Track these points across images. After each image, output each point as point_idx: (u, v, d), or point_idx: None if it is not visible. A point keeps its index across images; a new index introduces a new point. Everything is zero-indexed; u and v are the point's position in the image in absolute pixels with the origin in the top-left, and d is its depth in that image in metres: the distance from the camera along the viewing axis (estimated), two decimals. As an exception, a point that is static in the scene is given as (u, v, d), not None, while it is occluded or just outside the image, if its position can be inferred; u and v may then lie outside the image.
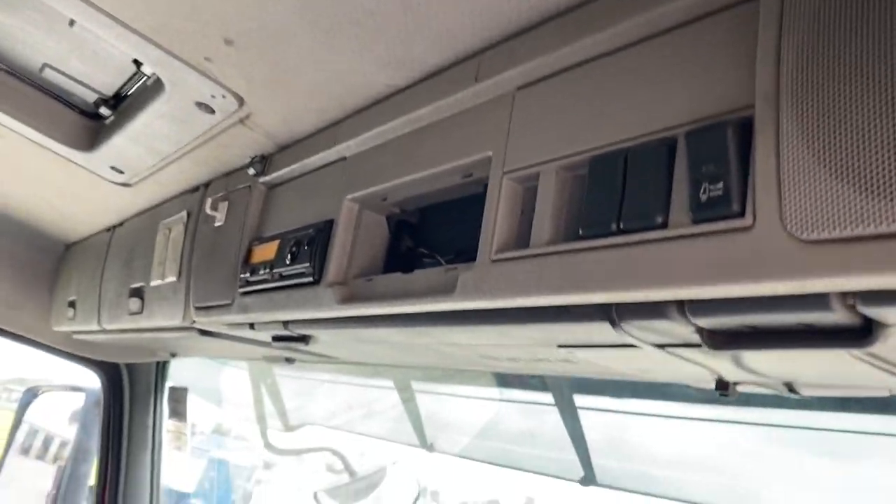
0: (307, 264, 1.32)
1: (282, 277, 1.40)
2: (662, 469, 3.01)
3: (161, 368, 3.09)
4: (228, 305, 1.55)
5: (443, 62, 1.13)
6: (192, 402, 3.19)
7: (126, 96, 1.71)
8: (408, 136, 1.21)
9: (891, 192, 0.56)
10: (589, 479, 2.88)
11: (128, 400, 3.08)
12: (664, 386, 2.33)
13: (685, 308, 0.75)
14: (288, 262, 1.38)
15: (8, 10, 1.46)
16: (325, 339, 1.50)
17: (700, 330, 0.78)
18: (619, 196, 0.79)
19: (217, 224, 1.70)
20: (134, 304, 1.99)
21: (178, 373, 3.18)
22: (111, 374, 3.07)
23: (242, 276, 1.51)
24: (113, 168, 1.93)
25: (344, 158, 1.38)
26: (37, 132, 1.80)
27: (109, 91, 1.72)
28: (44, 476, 3.43)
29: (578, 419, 2.81)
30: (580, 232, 0.84)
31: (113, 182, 2.00)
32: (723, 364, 0.93)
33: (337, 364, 2.07)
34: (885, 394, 1.02)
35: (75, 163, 1.94)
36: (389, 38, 1.11)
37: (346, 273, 1.30)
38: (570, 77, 0.93)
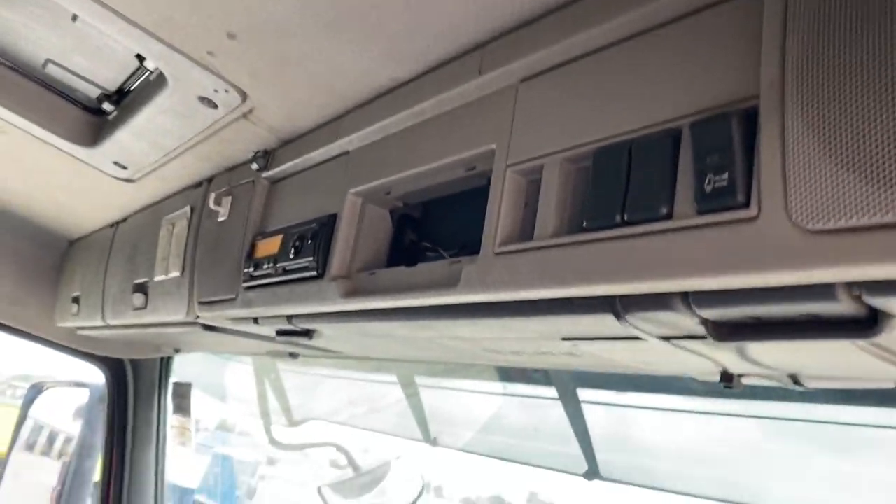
0: (311, 258, 1.33)
1: (285, 272, 1.40)
2: (666, 462, 3.01)
3: (165, 364, 3.10)
4: (232, 300, 1.56)
5: (446, 55, 1.12)
6: (196, 398, 3.19)
7: (129, 91, 1.71)
8: (411, 129, 1.21)
9: None
10: (593, 472, 2.88)
11: (132, 396, 3.09)
12: (667, 380, 2.33)
13: (690, 299, 0.75)
14: (291, 257, 1.38)
15: (11, 6, 1.46)
16: (328, 334, 1.50)
17: (705, 321, 0.78)
18: (624, 187, 0.79)
19: (220, 219, 1.71)
20: (138, 299, 2.00)
21: (182, 368, 3.19)
22: (115, 369, 3.08)
23: (246, 270, 1.51)
24: (116, 163, 1.93)
25: (347, 152, 1.38)
26: (40, 128, 1.81)
27: (112, 86, 1.71)
28: (49, 472, 3.45)
29: (582, 413, 2.81)
30: (584, 224, 0.83)
31: (116, 177, 2.00)
32: (727, 356, 0.93)
33: (340, 359, 2.07)
34: (891, 385, 1.02)
35: (78, 158, 1.94)
36: (392, 31, 1.10)
37: (349, 267, 1.30)
38: (574, 69, 0.92)
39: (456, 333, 1.22)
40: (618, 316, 0.82)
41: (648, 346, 0.93)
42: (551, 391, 2.85)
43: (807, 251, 0.62)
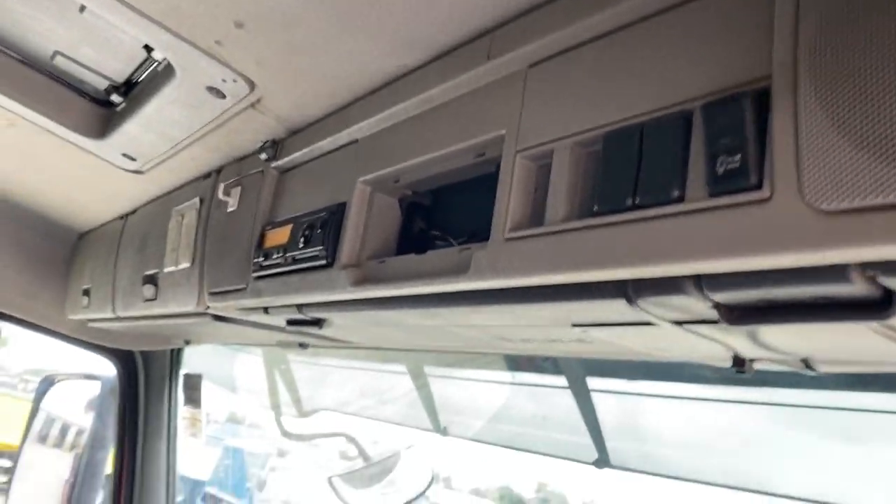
0: (320, 247, 1.33)
1: (295, 261, 1.40)
2: (676, 450, 3.01)
3: (175, 356, 3.11)
4: (242, 290, 1.56)
5: (454, 41, 1.12)
6: (207, 390, 3.21)
7: (137, 83, 1.72)
8: (420, 116, 1.21)
9: None
10: (603, 461, 2.88)
11: (143, 387, 3.10)
12: (678, 367, 2.33)
13: (702, 283, 0.75)
14: (301, 246, 1.38)
15: None
16: (338, 323, 1.50)
17: (717, 305, 0.78)
18: (635, 171, 0.79)
19: (230, 210, 1.71)
20: (148, 290, 2.00)
21: (192, 361, 3.20)
22: (126, 361, 3.09)
23: (256, 260, 1.51)
24: (125, 155, 1.93)
25: (356, 141, 1.38)
26: (49, 120, 1.81)
27: (120, 78, 1.72)
28: (61, 464, 3.47)
29: (592, 402, 2.81)
30: (595, 208, 0.83)
31: (125, 169, 2.01)
32: (739, 340, 0.93)
33: (350, 349, 2.08)
34: (904, 369, 1.02)
35: (87, 151, 1.94)
36: (400, 18, 1.10)
37: (359, 255, 1.30)
38: (584, 53, 0.92)
39: (466, 321, 1.22)
40: (629, 301, 0.82)
41: (660, 331, 0.93)
42: (561, 380, 2.85)
43: (820, 232, 0.62)
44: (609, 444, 2.88)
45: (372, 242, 1.31)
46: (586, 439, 2.88)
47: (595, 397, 2.80)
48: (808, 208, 0.63)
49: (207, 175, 1.90)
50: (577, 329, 1.06)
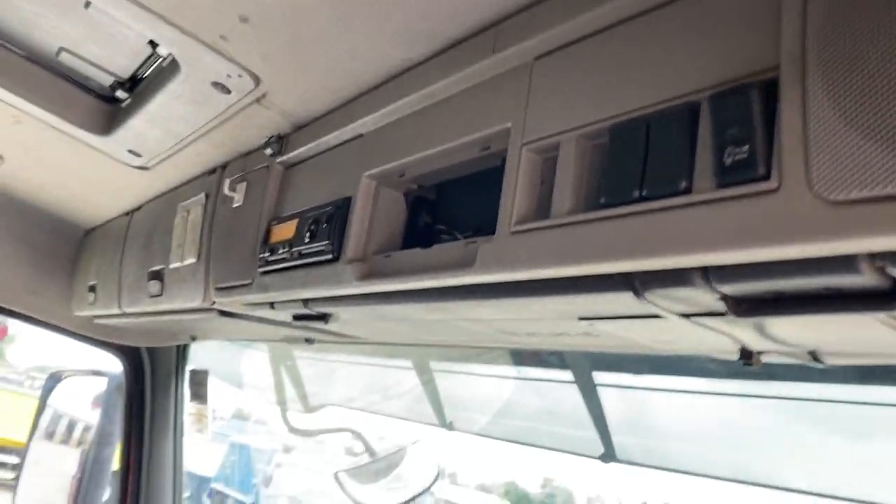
0: (326, 242, 1.33)
1: (301, 256, 1.40)
2: (682, 444, 3.01)
3: (181, 352, 3.12)
4: (248, 285, 1.56)
5: (459, 34, 1.12)
6: (212, 387, 3.22)
7: (142, 79, 1.72)
8: (425, 110, 1.20)
9: None
10: (609, 455, 2.89)
11: (149, 384, 3.11)
12: (684, 361, 2.33)
13: (709, 274, 0.74)
14: (307, 241, 1.38)
15: None
16: (344, 317, 1.50)
17: (724, 297, 0.78)
18: (642, 163, 0.79)
19: (235, 205, 1.71)
20: (154, 286, 2.00)
21: (198, 358, 3.21)
22: (132, 358, 3.10)
23: (262, 255, 1.52)
24: (130, 151, 1.93)
25: (360, 136, 1.38)
26: (54, 116, 1.81)
27: (125, 74, 1.72)
28: (68, 460, 3.48)
29: (598, 396, 2.81)
30: (602, 200, 0.83)
31: (130, 165, 2.01)
32: (746, 333, 0.93)
33: (356, 344, 2.08)
34: (912, 361, 1.01)
35: (93, 147, 1.95)
36: (405, 11, 1.10)
37: (364, 250, 1.30)
38: (590, 45, 0.92)
39: (472, 315, 1.22)
40: (636, 293, 0.82)
41: (667, 324, 0.93)
42: (567, 374, 2.85)
43: (829, 222, 0.62)
44: (615, 439, 2.89)
45: (377, 237, 1.31)
46: (592, 434, 2.89)
47: (601, 392, 2.80)
48: (816, 199, 0.62)
49: (213, 171, 1.90)
50: (584, 322, 1.05)
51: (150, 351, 3.10)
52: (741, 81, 0.71)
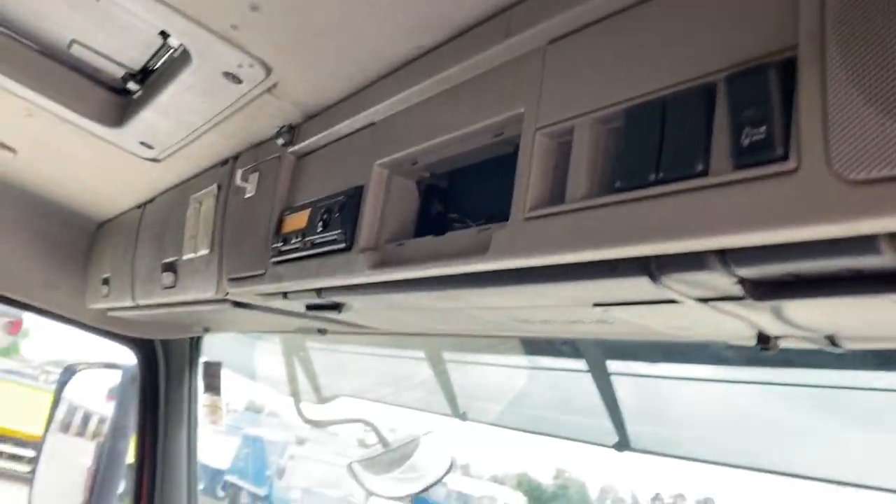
0: (339, 231, 1.33)
1: (314, 245, 1.40)
2: (697, 432, 3.01)
3: (195, 344, 3.13)
4: (261, 275, 1.56)
5: (471, 20, 1.11)
6: (226, 378, 3.23)
7: (153, 70, 1.72)
8: (438, 97, 1.20)
9: None
10: (623, 444, 2.88)
11: (163, 376, 3.13)
12: (698, 348, 2.32)
13: (727, 257, 0.74)
14: (319, 230, 1.38)
15: None
16: (357, 307, 1.50)
17: (742, 280, 0.77)
18: (658, 146, 0.78)
19: (247, 196, 1.71)
20: (167, 278, 2.01)
21: (212, 352, 3.22)
22: (146, 350, 3.12)
23: (274, 245, 1.52)
24: (142, 143, 1.94)
25: (372, 124, 1.37)
26: (66, 109, 1.82)
27: (137, 65, 1.72)
28: (84, 452, 3.50)
29: (611, 385, 2.80)
30: (617, 184, 0.82)
31: (143, 158, 2.02)
32: (764, 317, 0.92)
33: (369, 335, 2.08)
34: (932, 346, 1.00)
35: (105, 139, 1.95)
36: (417, -2, 1.09)
37: (377, 238, 1.30)
38: (604, 28, 0.91)
39: (486, 302, 1.21)
40: (653, 278, 0.81)
41: (683, 309, 0.92)
42: (580, 363, 2.85)
43: (849, 202, 0.61)
44: (629, 428, 2.88)
45: (390, 225, 1.31)
46: (606, 423, 2.88)
47: (615, 380, 2.79)
48: (835, 179, 0.62)
49: (225, 162, 1.90)
50: (599, 309, 1.05)
51: (164, 343, 3.12)
52: (758, 61, 0.71)
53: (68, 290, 2.89)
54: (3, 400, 19.13)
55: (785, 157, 0.66)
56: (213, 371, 3.12)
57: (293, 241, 1.46)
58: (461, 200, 1.32)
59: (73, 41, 1.65)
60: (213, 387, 3.11)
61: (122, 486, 3.36)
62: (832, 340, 1.00)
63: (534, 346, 3.09)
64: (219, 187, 1.87)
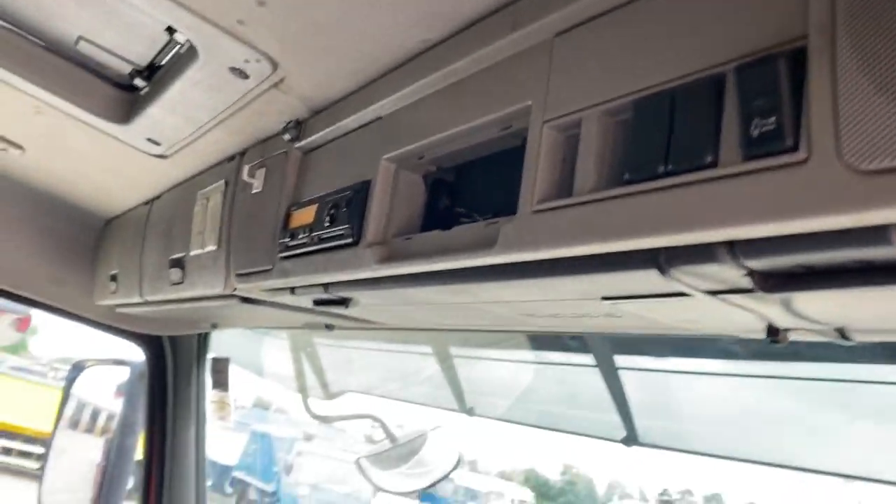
0: (346, 226, 1.33)
1: (321, 240, 1.40)
2: (706, 427, 3.00)
3: (203, 340, 3.14)
4: (269, 271, 1.56)
5: (477, 13, 1.11)
6: (234, 375, 3.23)
7: (160, 67, 1.72)
8: (444, 91, 1.20)
9: None
10: (631, 438, 2.88)
11: (171, 372, 3.13)
12: (706, 343, 2.31)
13: (736, 249, 0.73)
14: (326, 225, 1.38)
15: None
16: (365, 302, 1.50)
17: (751, 272, 0.77)
18: (666, 137, 0.77)
19: (254, 191, 1.71)
20: (175, 274, 2.02)
21: (220, 349, 3.23)
22: (154, 347, 3.12)
23: (282, 241, 1.52)
24: (149, 140, 1.94)
25: (379, 118, 1.37)
26: (74, 106, 1.82)
27: (143, 62, 1.72)
28: (93, 448, 3.52)
29: (619, 379, 2.80)
30: (626, 176, 0.82)
31: (150, 154, 2.02)
32: (773, 310, 0.92)
33: (376, 330, 2.08)
34: (943, 338, 1.00)
35: (112, 136, 1.95)
36: (423, -9, 1.09)
37: (384, 233, 1.30)
38: (611, 20, 0.90)
39: (493, 297, 1.21)
40: (662, 270, 0.81)
41: (692, 302, 0.92)
42: (588, 358, 2.85)
43: (860, 192, 0.60)
44: (637, 422, 2.88)
45: (397, 220, 1.31)
46: (614, 417, 2.88)
47: (623, 375, 2.79)
48: (846, 169, 0.61)
49: (231, 158, 1.90)
50: (607, 303, 1.04)
51: (172, 340, 3.13)
52: (768, 52, 0.70)
53: (76, 286, 2.90)
54: (12, 397, 19.24)
55: (795, 148, 0.66)
56: (220, 367, 3.13)
57: (300, 236, 1.46)
58: (468, 194, 1.31)
59: (79, 38, 1.66)
60: (220, 383, 3.11)
61: (131, 482, 3.37)
62: (842, 333, 0.99)
63: (541, 342, 3.09)
64: (226, 183, 1.87)
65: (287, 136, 1.60)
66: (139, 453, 3.22)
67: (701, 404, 2.91)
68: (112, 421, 3.56)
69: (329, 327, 2.09)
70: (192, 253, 1.95)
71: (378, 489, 3.08)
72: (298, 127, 1.60)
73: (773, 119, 0.67)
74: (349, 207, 1.34)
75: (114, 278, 2.60)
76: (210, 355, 3.15)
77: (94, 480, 3.34)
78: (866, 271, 0.70)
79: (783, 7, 0.70)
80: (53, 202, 2.78)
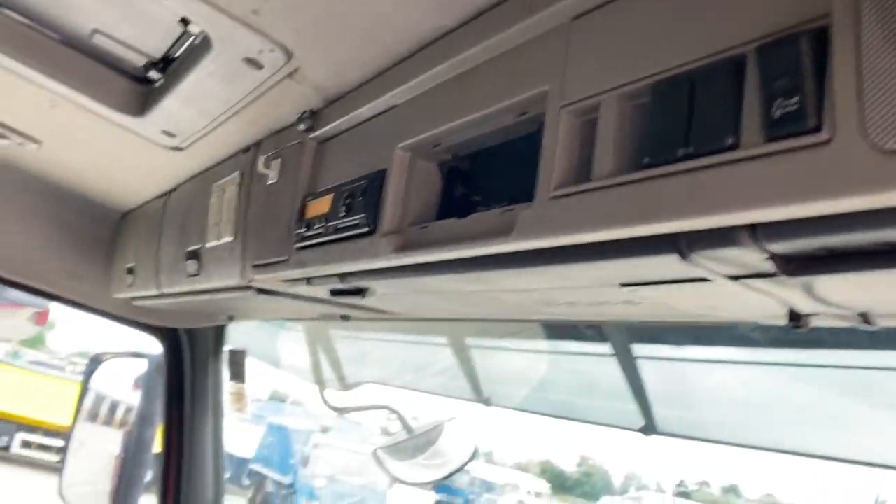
0: (362, 215, 1.32)
1: (337, 230, 1.40)
2: (724, 415, 2.99)
3: (219, 332, 3.15)
4: (285, 261, 1.56)
5: None
6: (251, 367, 3.24)
7: (174, 58, 1.72)
8: (459, 77, 1.19)
9: None
10: (649, 428, 2.87)
11: (188, 365, 3.15)
12: (724, 331, 2.30)
13: (758, 232, 0.72)
14: (342, 215, 1.38)
15: None
16: (381, 292, 1.50)
17: (773, 256, 0.76)
18: (686, 120, 0.76)
19: (270, 182, 1.71)
20: (191, 266, 2.02)
21: (237, 341, 3.24)
22: (171, 339, 3.14)
23: (298, 231, 1.52)
24: (165, 132, 1.94)
25: (394, 107, 1.37)
26: (90, 99, 1.83)
27: (158, 54, 1.72)
28: (112, 440, 3.54)
29: (637, 368, 2.79)
30: (645, 160, 0.81)
31: (165, 146, 2.02)
32: (795, 295, 0.91)
33: (392, 321, 2.08)
34: (969, 322, 0.98)
35: (128, 129, 1.96)
36: (438, -23, 1.08)
37: (400, 222, 1.29)
38: (627, 3, 0.89)
39: (510, 285, 1.21)
40: (682, 255, 0.80)
41: (712, 288, 0.91)
42: (605, 347, 2.84)
43: (885, 172, 0.59)
44: (655, 411, 2.87)
45: (413, 209, 1.30)
46: (632, 406, 2.87)
47: (640, 364, 2.78)
48: (871, 149, 0.60)
49: (247, 149, 1.90)
50: (626, 289, 1.04)
51: (189, 332, 3.14)
52: (789, 31, 0.69)
53: (93, 279, 2.91)
54: (32, 391, 19.43)
55: (818, 128, 0.65)
56: (237, 359, 3.14)
57: (316, 226, 1.46)
58: (484, 182, 1.31)
59: (94, 31, 1.66)
60: (237, 374, 3.12)
61: (149, 475, 3.40)
62: (865, 318, 0.98)
63: (558, 331, 3.08)
64: (241, 174, 1.87)
65: (302, 127, 1.60)
66: (157, 445, 3.23)
67: (720, 393, 2.90)
68: (130, 413, 3.58)
69: (345, 318, 2.09)
70: (209, 245, 1.95)
71: (395, 480, 3.08)
72: (313, 117, 1.59)
73: (795, 99, 0.66)
74: (365, 197, 1.33)
75: (131, 271, 2.61)
76: (227, 347, 3.16)
77: (114, 473, 3.37)
78: (891, 253, 0.69)
79: None
80: (70, 196, 2.80)
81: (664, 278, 0.95)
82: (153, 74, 1.77)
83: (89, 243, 2.91)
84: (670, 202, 0.77)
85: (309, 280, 1.56)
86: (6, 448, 19.08)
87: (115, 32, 1.65)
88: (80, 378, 3.62)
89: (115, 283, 2.83)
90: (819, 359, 2.42)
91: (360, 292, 1.51)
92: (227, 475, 3.32)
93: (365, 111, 1.43)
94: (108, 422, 4.29)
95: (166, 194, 2.45)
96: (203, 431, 3.12)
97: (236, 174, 1.89)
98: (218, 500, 3.10)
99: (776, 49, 0.69)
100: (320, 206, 1.47)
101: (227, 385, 3.16)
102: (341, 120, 1.50)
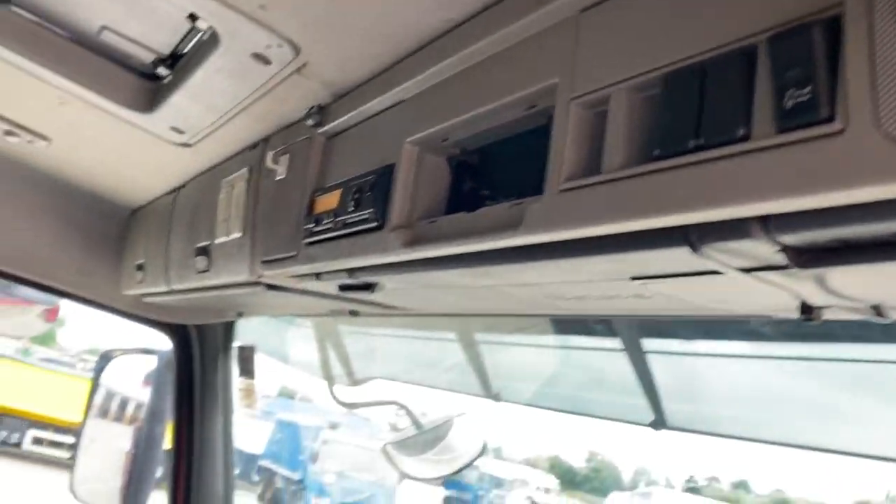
0: (371, 210, 1.32)
1: (346, 225, 1.40)
2: (734, 410, 2.98)
3: (229, 329, 3.15)
4: (294, 257, 1.57)
5: None
6: (260, 363, 3.25)
7: (182, 55, 1.72)
8: (468, 71, 1.18)
9: None
10: (659, 422, 2.86)
11: (198, 361, 3.15)
12: (735, 325, 2.29)
13: (769, 224, 0.72)
14: (351, 210, 1.38)
15: None
16: (390, 287, 1.50)
17: (785, 248, 0.75)
18: (697, 111, 0.76)
19: (278, 178, 1.72)
20: (201, 262, 2.02)
21: (248, 338, 3.24)
22: (181, 335, 3.14)
23: (306, 227, 1.52)
24: (173, 128, 1.95)
25: (402, 101, 1.36)
26: (98, 96, 1.83)
27: (166, 50, 1.72)
28: (122, 437, 3.56)
29: (647, 363, 2.78)
30: (655, 152, 0.81)
31: (174, 143, 2.03)
32: (807, 287, 0.90)
33: (401, 317, 2.08)
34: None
35: (136, 125, 1.96)
36: (445, -30, 1.08)
37: (409, 216, 1.29)
38: None
39: (520, 279, 1.20)
40: (693, 248, 0.80)
41: (723, 281, 0.91)
42: (615, 342, 2.83)
43: None
44: (665, 406, 2.86)
45: (422, 203, 1.30)
46: (642, 401, 2.86)
47: (650, 358, 2.77)
48: (885, 139, 0.60)
49: (255, 145, 1.91)
50: (637, 283, 1.03)
51: (198, 328, 3.15)
52: (801, 21, 0.68)
53: (103, 276, 2.92)
54: (42, 388, 19.53)
55: (831, 119, 0.64)
56: (247, 355, 3.14)
57: (325, 221, 1.46)
58: (492, 176, 1.30)
59: (103, 27, 1.66)
60: (247, 370, 3.13)
61: (160, 470, 3.41)
62: (878, 310, 0.97)
63: (567, 326, 3.08)
64: (250, 170, 1.87)
65: (310, 122, 1.60)
66: (167, 442, 3.25)
67: (730, 387, 2.89)
68: (140, 410, 3.60)
69: (354, 314, 2.09)
70: (218, 241, 1.96)
71: (404, 475, 3.08)
72: (321, 112, 1.59)
73: (807, 89, 0.66)
74: (373, 191, 1.33)
75: (140, 268, 2.62)
76: (236, 343, 3.17)
77: (124, 469, 3.38)
78: None
79: None
80: (80, 193, 2.81)
81: (675, 271, 0.94)
82: (161, 71, 1.77)
83: (99, 240, 2.92)
84: (681, 194, 0.76)
85: (318, 275, 1.56)
86: (18, 444, 19.21)
87: (124, 29, 1.66)
88: (91, 375, 3.63)
89: (124, 280, 2.84)
90: (831, 353, 2.41)
91: (368, 287, 1.51)
92: (236, 471, 3.33)
93: (373, 106, 1.43)
94: (119, 418, 4.31)
95: (175, 191, 2.46)
96: (213, 427, 3.13)
97: (245, 170, 1.89)
98: (228, 495, 3.11)
99: (788, 39, 0.68)
100: (329, 201, 1.47)
101: (237, 381, 3.16)
102: (349, 115, 1.50)
